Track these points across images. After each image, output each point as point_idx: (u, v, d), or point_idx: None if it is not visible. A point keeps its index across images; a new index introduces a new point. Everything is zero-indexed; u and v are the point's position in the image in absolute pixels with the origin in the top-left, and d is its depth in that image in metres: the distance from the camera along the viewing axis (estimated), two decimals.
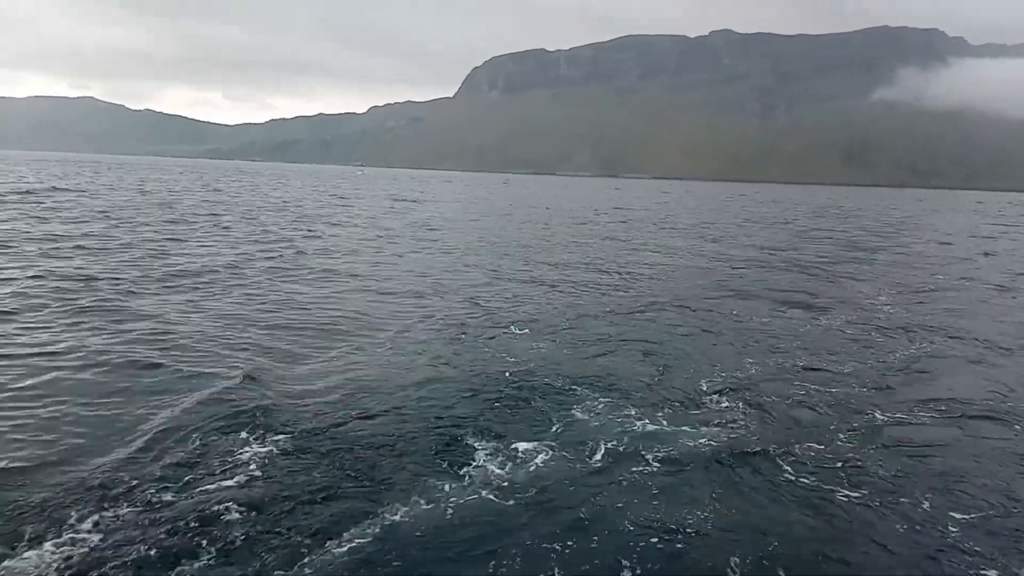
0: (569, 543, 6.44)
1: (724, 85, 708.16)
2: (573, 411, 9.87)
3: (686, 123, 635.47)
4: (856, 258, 32.06)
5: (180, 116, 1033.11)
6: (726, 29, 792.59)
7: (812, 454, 8.73)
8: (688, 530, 6.72)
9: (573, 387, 10.92)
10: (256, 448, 8.09)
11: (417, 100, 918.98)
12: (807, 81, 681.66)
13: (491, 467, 8.01)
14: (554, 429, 9.17)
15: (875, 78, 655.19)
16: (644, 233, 42.10)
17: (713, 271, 25.34)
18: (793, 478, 7.98)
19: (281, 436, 8.46)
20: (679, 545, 6.49)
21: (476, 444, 8.60)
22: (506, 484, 7.50)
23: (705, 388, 11.19)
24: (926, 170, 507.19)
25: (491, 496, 7.25)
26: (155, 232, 29.43)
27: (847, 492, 7.77)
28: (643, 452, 8.51)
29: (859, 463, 8.56)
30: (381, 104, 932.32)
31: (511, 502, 7.14)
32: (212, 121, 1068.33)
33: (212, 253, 23.91)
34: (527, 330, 14.82)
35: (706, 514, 7.04)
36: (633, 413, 9.88)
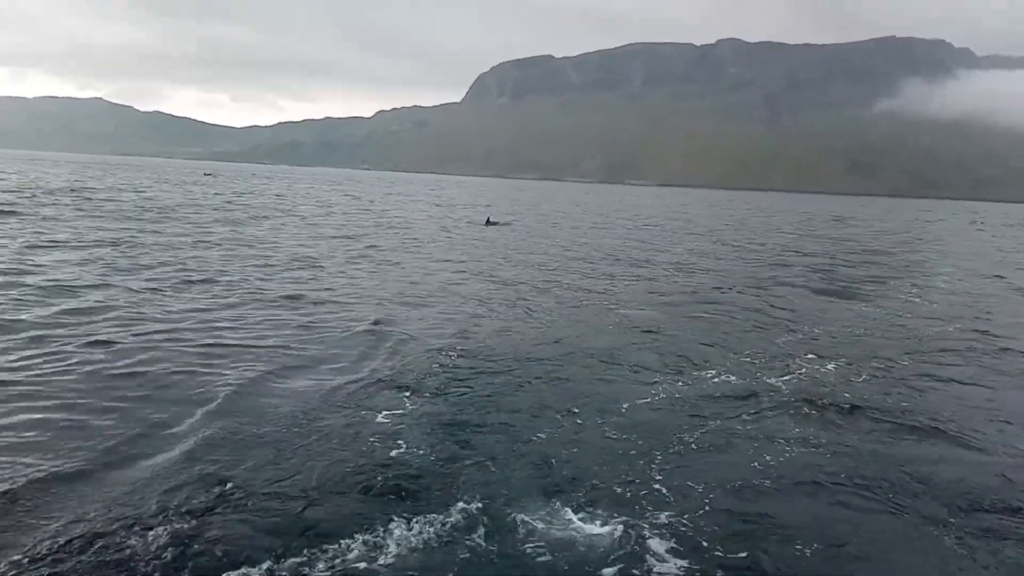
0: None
1: (730, 93, 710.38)
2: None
3: (692, 130, 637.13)
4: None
5: (188, 118, 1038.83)
6: (733, 38, 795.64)
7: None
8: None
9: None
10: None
11: (424, 105, 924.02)
12: (813, 90, 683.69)
13: (657, 392, 10.81)
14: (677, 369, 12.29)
15: (881, 88, 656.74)
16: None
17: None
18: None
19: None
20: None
21: (634, 375, 11.62)
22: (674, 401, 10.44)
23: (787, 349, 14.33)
24: (931, 180, 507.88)
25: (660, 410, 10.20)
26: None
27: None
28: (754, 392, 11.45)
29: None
30: (388, 108, 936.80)
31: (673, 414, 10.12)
32: (220, 123, 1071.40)
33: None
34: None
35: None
36: (740, 363, 13.06)
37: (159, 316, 13.86)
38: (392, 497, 6.89)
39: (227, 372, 10.59)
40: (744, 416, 9.69)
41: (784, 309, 18.62)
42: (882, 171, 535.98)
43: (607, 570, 5.85)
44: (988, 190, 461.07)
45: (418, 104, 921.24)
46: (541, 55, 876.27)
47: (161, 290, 16.40)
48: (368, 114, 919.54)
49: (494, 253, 28.55)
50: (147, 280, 17.46)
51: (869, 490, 7.52)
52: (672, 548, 6.19)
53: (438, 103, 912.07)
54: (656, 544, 6.24)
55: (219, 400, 9.36)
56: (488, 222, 43.18)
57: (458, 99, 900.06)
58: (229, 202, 51.57)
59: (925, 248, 44.69)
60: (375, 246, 28.78)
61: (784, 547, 6.34)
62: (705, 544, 6.28)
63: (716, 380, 11.39)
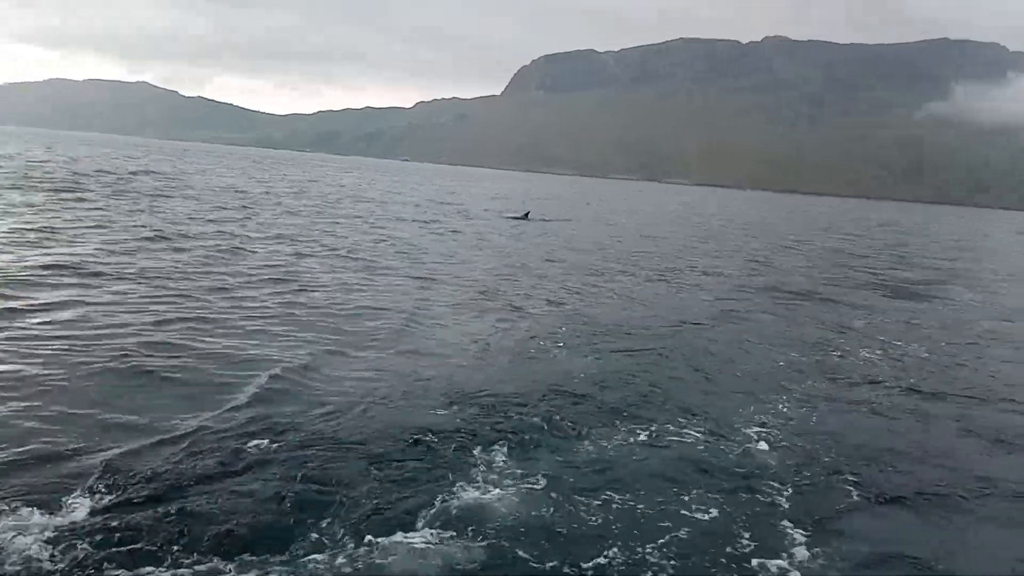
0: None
1: (774, 92, 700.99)
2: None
3: (733, 129, 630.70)
4: None
5: (231, 104, 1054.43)
6: (779, 36, 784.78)
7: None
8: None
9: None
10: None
11: (463, 97, 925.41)
12: (860, 90, 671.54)
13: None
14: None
15: (931, 90, 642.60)
16: None
17: None
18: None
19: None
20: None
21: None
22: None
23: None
24: (981, 187, 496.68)
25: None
26: None
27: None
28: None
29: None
30: (428, 100, 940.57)
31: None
32: (262, 110, 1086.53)
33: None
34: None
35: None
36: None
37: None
38: (567, 418, 8.92)
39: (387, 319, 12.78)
40: (843, 381, 11.59)
41: (857, 306, 20.16)
42: (930, 176, 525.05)
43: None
44: None
45: (457, 96, 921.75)
46: (583, 49, 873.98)
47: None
48: (408, 104, 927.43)
49: (555, 246, 30.39)
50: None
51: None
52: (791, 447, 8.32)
53: (478, 95, 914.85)
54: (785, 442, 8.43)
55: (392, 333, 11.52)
56: (526, 216, 43.25)
57: (498, 92, 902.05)
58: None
59: (978, 255, 45.53)
60: (458, 231, 31.32)
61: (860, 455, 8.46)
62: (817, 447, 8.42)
63: (816, 356, 13.24)
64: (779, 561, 5.98)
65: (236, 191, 42.88)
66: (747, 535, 6.31)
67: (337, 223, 30.49)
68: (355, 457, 7.04)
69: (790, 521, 6.63)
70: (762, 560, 5.98)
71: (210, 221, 25.93)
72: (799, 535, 6.40)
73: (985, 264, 38.92)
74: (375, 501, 6.24)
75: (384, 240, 25.79)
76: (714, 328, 14.78)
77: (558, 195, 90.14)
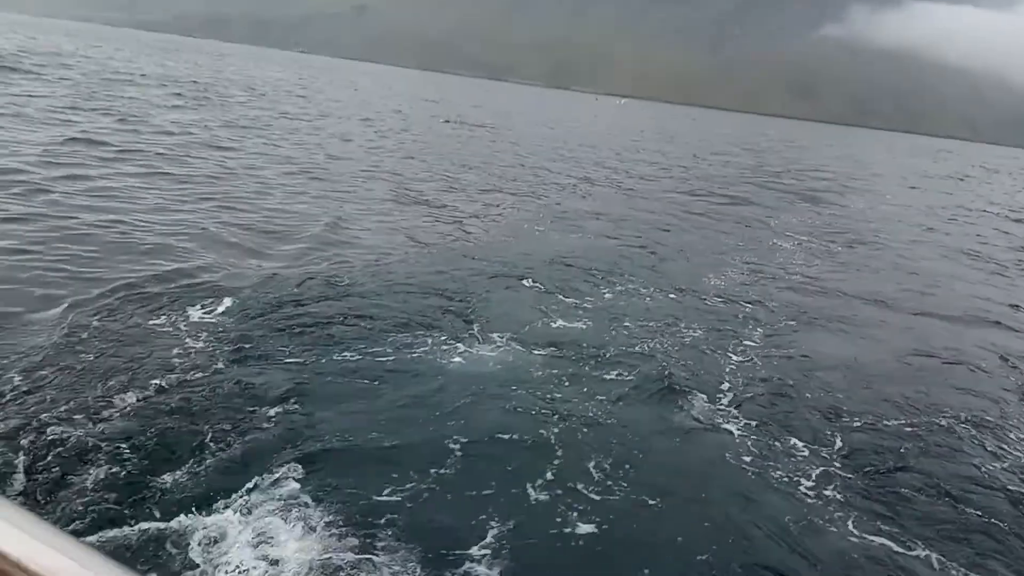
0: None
1: (678, 7, 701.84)
2: None
3: (639, 41, 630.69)
4: None
5: None
6: None
7: None
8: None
9: None
10: None
11: None
12: (759, 10, 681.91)
13: None
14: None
15: (827, 13, 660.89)
16: None
17: None
18: None
19: None
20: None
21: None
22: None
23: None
24: (869, 110, 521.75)
25: None
26: None
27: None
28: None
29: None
30: None
31: None
32: None
33: None
34: None
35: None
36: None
37: None
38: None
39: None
40: (765, 261, 13.28)
41: (774, 209, 22.02)
42: (823, 98, 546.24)
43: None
44: (923, 124, 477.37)
45: None
46: None
47: None
48: None
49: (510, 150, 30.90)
50: None
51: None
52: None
53: None
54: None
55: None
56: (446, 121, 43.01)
57: None
58: None
59: (866, 172, 49.27)
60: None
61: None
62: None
63: (747, 242, 14.74)
64: (738, 357, 8.17)
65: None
66: (715, 344, 8.18)
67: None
68: (395, 302, 8.51)
69: (751, 334, 8.88)
70: (727, 356, 8.16)
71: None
72: (753, 342, 8.64)
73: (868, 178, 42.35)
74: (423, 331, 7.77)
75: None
76: (654, 220, 16.06)
77: (478, 103, 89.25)
